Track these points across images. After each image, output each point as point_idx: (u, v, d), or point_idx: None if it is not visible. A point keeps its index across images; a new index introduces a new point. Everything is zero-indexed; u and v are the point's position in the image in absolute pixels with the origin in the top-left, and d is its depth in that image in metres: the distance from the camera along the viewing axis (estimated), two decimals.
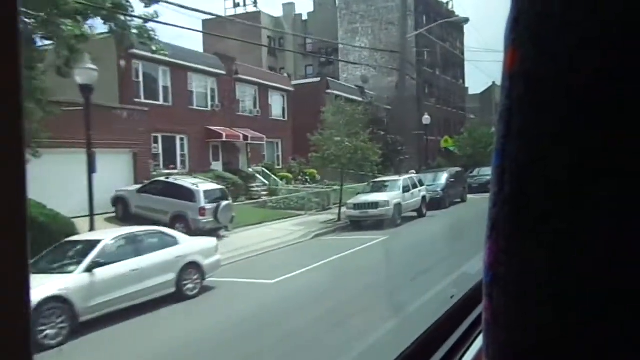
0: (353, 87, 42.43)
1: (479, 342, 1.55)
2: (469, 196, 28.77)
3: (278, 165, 31.02)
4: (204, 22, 48.60)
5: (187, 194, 16.69)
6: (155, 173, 20.53)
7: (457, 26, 61.96)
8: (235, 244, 17.11)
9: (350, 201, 20.52)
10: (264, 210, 24.29)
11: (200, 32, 36.19)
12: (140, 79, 22.43)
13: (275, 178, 28.52)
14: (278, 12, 59.35)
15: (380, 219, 19.18)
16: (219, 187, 17.93)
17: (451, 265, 10.98)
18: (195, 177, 18.79)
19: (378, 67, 43.31)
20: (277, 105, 32.46)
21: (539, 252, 0.39)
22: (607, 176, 0.37)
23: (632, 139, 0.36)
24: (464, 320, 1.72)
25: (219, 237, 17.60)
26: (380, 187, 21.30)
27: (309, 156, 23.95)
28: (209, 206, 16.72)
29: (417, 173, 34.19)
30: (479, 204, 29.86)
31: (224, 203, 17.09)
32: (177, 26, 50.10)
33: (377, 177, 23.42)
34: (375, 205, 19.12)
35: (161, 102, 23.53)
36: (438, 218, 21.39)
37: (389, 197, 19.55)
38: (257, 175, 27.86)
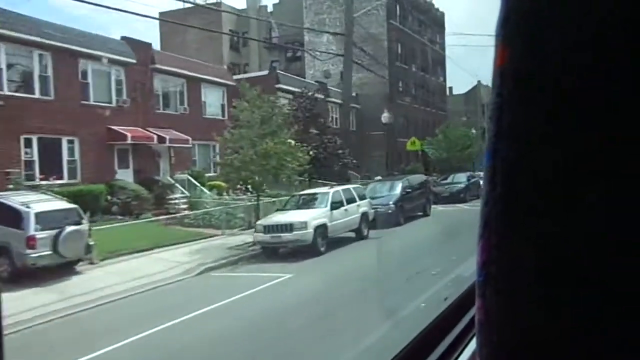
0: (313, 82, 37.76)
1: (473, 345, 1.42)
2: (438, 207, 24.30)
3: (214, 171, 26.21)
4: (161, 14, 44.35)
5: (13, 218, 11.98)
6: (12, 186, 15.78)
7: (437, 21, 57.57)
8: (88, 284, 12.46)
9: (259, 222, 15.83)
10: (174, 228, 19.63)
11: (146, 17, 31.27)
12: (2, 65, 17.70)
13: (203, 188, 23.82)
14: (242, 4, 54.63)
15: (297, 245, 14.47)
16: (69, 206, 13.19)
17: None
18: (42, 193, 14.00)
19: (339, 60, 38.51)
20: (213, 102, 27.71)
21: (530, 250, 0.39)
22: (602, 178, 0.37)
23: (628, 141, 0.36)
24: (458, 322, 1.69)
25: (71, 274, 12.97)
26: (304, 202, 16.60)
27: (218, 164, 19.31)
28: (42, 234, 12.01)
29: (382, 179, 29.76)
30: (443, 218, 25.43)
31: (70, 229, 12.38)
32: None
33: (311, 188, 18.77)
34: (289, 227, 14.38)
35: (37, 95, 18.77)
36: (382, 240, 16.68)
37: (309, 216, 14.80)
38: (177, 185, 23.16)
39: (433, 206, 23.69)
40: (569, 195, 0.38)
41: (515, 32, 0.41)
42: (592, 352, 0.38)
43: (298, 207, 16.00)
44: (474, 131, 44.06)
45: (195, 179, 23.92)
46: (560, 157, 0.38)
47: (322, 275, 12.75)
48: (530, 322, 0.39)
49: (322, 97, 34.85)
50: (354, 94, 43.03)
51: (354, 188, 18.43)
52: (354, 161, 29.14)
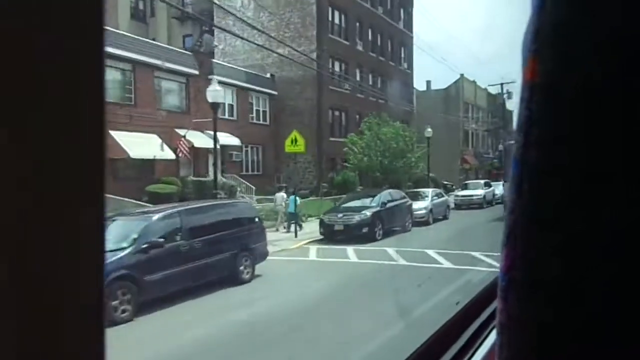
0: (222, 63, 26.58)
1: (486, 344, 1.59)
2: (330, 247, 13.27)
3: None
4: None
5: None
6: None
7: None
8: None
9: None
10: None
11: None
12: None
13: None
14: None
15: None
16: None
17: None
18: None
19: (258, 33, 27.39)
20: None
21: (556, 260, 0.40)
22: (632, 190, 0.37)
23: None
24: (471, 325, 1.74)
25: None
26: None
27: None
28: None
29: (293, 194, 19.09)
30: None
31: None
32: None
33: None
34: None
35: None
36: None
37: None
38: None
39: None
40: (597, 207, 0.38)
41: (547, 46, 0.40)
42: None
43: None
44: (429, 130, 32.85)
45: None
46: (590, 169, 0.38)
47: None
48: (552, 329, 0.39)
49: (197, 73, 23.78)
50: (267, 76, 31.86)
51: None
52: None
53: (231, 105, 28.06)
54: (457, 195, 30.72)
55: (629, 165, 0.37)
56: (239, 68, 29.57)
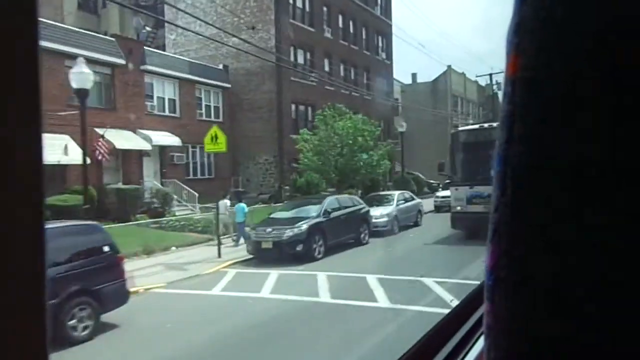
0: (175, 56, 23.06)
1: (477, 347, 1.57)
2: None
3: None
4: None
5: None
6: None
7: None
8: None
9: None
10: None
11: None
12: None
13: None
14: None
15: None
16: None
17: None
18: None
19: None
20: None
21: (539, 257, 0.39)
22: (614, 186, 0.37)
23: None
24: (463, 325, 1.71)
25: None
26: None
27: None
28: None
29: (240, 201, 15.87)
30: None
31: None
32: None
33: None
34: None
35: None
36: None
37: None
38: None
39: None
40: (580, 203, 0.38)
41: (528, 40, 0.40)
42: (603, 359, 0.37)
43: None
44: (404, 123, 29.28)
45: None
46: (572, 164, 0.38)
47: None
48: (540, 328, 0.39)
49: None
50: (220, 67, 28.32)
51: None
52: None
53: (172, 100, 24.51)
54: (436, 197, 27.21)
55: (617, 162, 0.37)
56: (182, 58, 26.11)
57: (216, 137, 15.53)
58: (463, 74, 58.64)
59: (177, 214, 21.21)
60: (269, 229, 14.20)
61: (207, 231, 18.98)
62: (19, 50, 0.39)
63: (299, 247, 13.67)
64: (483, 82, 58.11)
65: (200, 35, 24.32)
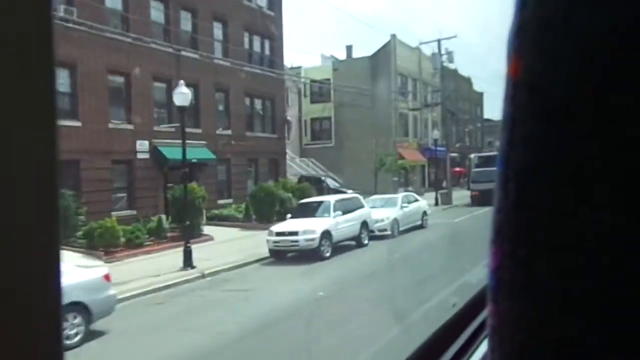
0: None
1: (482, 349, 1.58)
2: None
3: None
4: None
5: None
6: None
7: None
8: None
9: None
10: None
11: None
12: None
13: None
14: None
15: None
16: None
17: None
18: None
19: None
20: None
21: (542, 259, 0.40)
22: (617, 188, 0.37)
23: None
24: (467, 327, 1.73)
25: None
26: None
27: None
28: None
29: None
30: None
31: None
32: None
33: None
34: None
35: None
36: None
37: None
38: None
39: None
40: (582, 203, 0.38)
41: (529, 43, 0.41)
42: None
43: None
44: (185, 91, 19.66)
45: None
46: (573, 165, 0.39)
47: None
48: (545, 329, 0.40)
49: None
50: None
51: None
52: None
53: None
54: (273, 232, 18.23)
55: (618, 162, 0.37)
56: None
57: None
58: (418, 48, 45.10)
59: None
60: None
61: None
62: (35, 48, 0.39)
63: None
64: (429, 50, 44.43)
65: None
